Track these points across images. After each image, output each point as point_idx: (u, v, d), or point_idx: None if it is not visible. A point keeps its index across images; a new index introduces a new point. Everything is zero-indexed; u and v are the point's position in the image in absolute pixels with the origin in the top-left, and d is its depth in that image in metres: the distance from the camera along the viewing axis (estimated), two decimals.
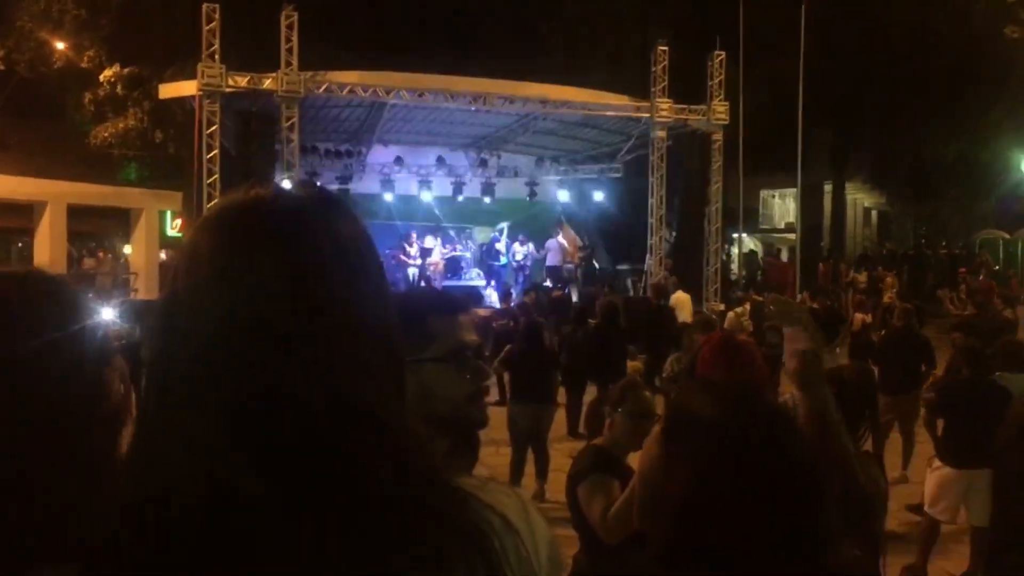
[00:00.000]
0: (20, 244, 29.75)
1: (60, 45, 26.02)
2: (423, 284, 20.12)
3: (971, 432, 6.23)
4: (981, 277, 22.83)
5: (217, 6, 17.42)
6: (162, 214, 27.02)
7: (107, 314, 12.90)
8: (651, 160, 20.70)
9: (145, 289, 25.34)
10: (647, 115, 20.34)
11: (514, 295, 18.75)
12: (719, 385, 1.61)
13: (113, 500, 0.90)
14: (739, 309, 15.73)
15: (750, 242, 33.68)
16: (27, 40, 25.69)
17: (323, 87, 18.28)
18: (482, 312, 18.00)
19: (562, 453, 10.14)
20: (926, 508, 6.90)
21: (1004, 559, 4.15)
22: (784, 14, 24.17)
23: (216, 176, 17.73)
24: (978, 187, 31.43)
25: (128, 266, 27.35)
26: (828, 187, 34.49)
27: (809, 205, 29.14)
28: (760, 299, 17.88)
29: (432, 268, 22.00)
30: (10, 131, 24.84)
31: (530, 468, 9.14)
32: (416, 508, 0.86)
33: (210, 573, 0.83)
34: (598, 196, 23.94)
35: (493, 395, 11.18)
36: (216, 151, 17.75)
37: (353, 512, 0.84)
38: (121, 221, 28.07)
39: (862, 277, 25.51)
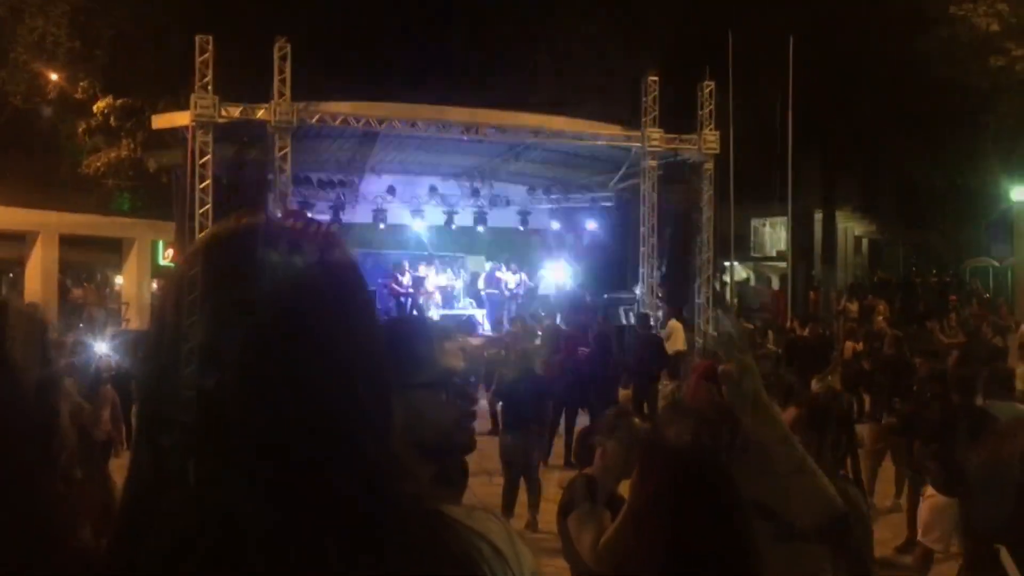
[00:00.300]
0: (12, 274, 29.68)
1: (54, 76, 26.13)
2: (413, 312, 20.12)
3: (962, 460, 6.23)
4: (973, 304, 22.94)
5: (210, 37, 17.53)
6: (154, 244, 27.02)
7: (99, 346, 12.85)
8: (642, 189, 20.81)
9: (137, 320, 25.28)
10: (638, 144, 20.47)
11: (506, 324, 18.79)
12: (692, 413, 1.64)
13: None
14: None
15: (742, 270, 33.79)
16: (22, 71, 25.79)
17: (316, 117, 18.36)
18: (474, 341, 18.01)
19: (554, 483, 10.12)
20: (919, 537, 6.89)
21: None
22: (773, 44, 24.43)
23: (208, 206, 17.74)
24: (967, 215, 31.65)
25: (120, 296, 27.30)
26: (818, 215, 34.67)
27: (799, 233, 29.28)
28: (751, 326, 18.01)
29: (424, 297, 22.02)
30: (2, 161, 24.86)
31: (523, 496, 9.09)
32: (405, 537, 0.86)
33: None
34: (590, 225, 24.03)
35: (486, 425, 11.16)
36: (208, 181, 17.78)
37: (341, 542, 0.84)
38: (113, 251, 28.05)
39: (854, 306, 25.58)
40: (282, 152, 18.11)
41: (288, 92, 17.88)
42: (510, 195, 23.93)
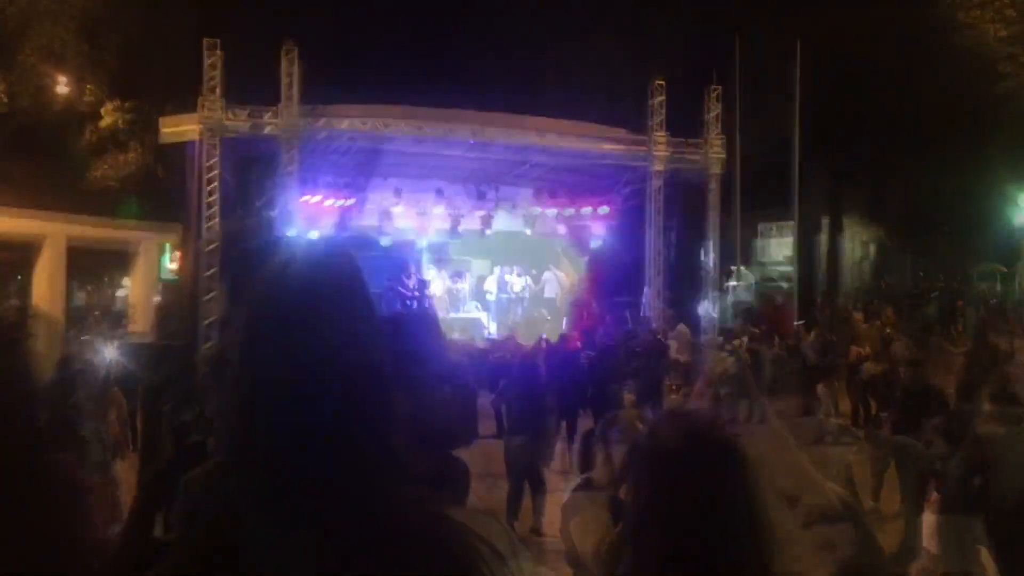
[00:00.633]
0: (19, 277, 29.75)
1: (62, 81, 26.20)
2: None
3: None
4: (981, 310, 22.80)
5: (218, 42, 17.61)
6: (161, 250, 27.05)
7: (106, 351, 12.89)
8: (648, 194, 20.80)
9: (143, 325, 25.31)
10: (644, 150, 20.47)
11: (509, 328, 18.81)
12: (682, 418, 1.63)
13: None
14: (736, 342, 15.84)
15: (749, 275, 33.75)
16: (30, 76, 25.87)
17: (322, 122, 18.42)
18: (480, 344, 18.02)
19: (560, 487, 10.10)
20: (924, 544, 6.83)
21: None
22: (780, 53, 24.44)
23: (215, 220, 17.79)
24: (974, 222, 31.54)
25: (126, 302, 27.36)
26: (825, 222, 34.62)
27: (806, 241, 29.25)
28: (754, 347, 17.96)
29: (430, 301, 22.02)
30: (9, 167, 24.92)
31: (528, 501, 9.08)
32: (408, 537, 0.88)
33: None
34: (596, 229, 24.02)
35: (491, 428, 11.14)
36: (216, 186, 17.83)
37: (343, 543, 0.86)
38: (120, 258, 28.09)
39: (860, 317, 25.38)
40: (289, 165, 18.15)
41: (296, 97, 17.93)
42: (516, 199, 23.93)
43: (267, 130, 17.93)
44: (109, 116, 26.95)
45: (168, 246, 26.19)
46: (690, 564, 1.42)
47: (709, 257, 21.24)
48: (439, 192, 23.12)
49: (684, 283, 21.73)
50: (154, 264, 26.67)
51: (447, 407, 1.77)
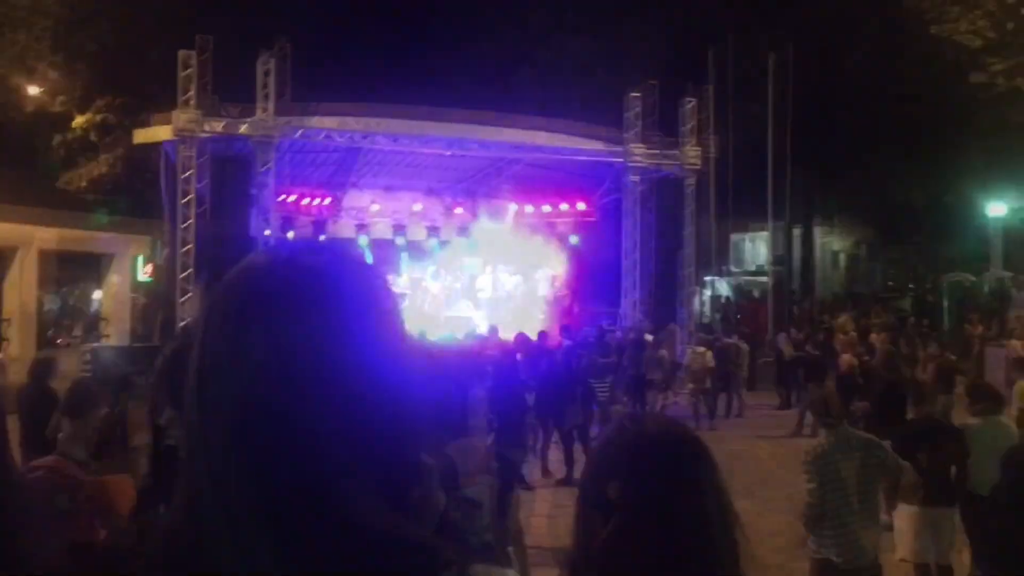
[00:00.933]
0: None
1: (33, 90, 25.92)
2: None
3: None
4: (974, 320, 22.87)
5: (194, 52, 17.53)
6: (134, 259, 26.80)
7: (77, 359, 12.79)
8: (625, 204, 20.93)
9: (116, 334, 25.05)
10: (621, 159, 20.60)
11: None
12: (637, 419, 1.65)
13: None
14: (700, 349, 16.25)
15: (722, 285, 33.97)
16: (1, 85, 25.59)
17: (299, 132, 18.37)
18: (468, 342, 17.97)
19: (539, 497, 10.14)
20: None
21: None
22: (754, 61, 24.70)
23: (191, 221, 17.69)
24: (944, 230, 31.96)
25: (99, 310, 27.09)
26: (797, 230, 34.95)
27: (779, 248, 29.56)
28: (731, 341, 18.20)
29: (429, 299, 21.98)
30: None
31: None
32: (370, 540, 0.87)
33: None
34: (573, 239, 24.10)
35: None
36: (192, 196, 17.72)
37: (309, 543, 0.85)
38: (93, 266, 27.79)
39: (843, 321, 25.53)
40: (265, 166, 18.09)
41: (272, 107, 17.88)
42: (493, 208, 23.96)
43: (242, 129, 17.83)
44: (81, 123, 26.70)
45: (141, 259, 25.96)
46: (658, 566, 1.44)
47: (686, 262, 21.41)
48: (415, 203, 23.11)
49: (663, 287, 21.84)
50: (127, 274, 26.41)
51: (422, 406, 1.77)
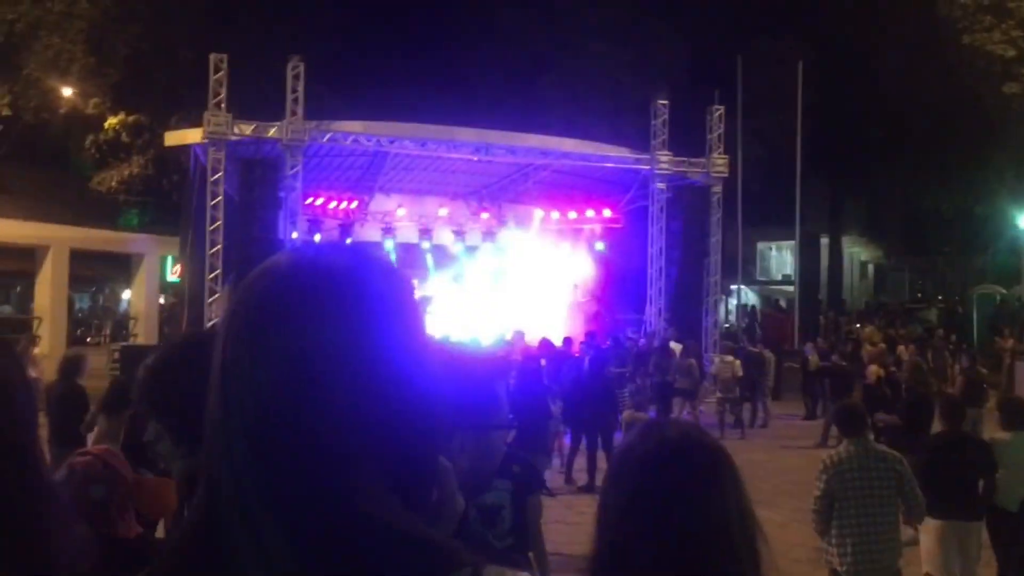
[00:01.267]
0: (19, 288, 29.77)
1: (67, 92, 26.29)
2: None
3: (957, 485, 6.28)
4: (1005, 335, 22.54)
5: (224, 56, 17.68)
6: (163, 259, 27.10)
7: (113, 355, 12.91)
8: (651, 212, 20.88)
9: (145, 334, 25.33)
10: (647, 167, 20.57)
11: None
12: (660, 426, 1.64)
13: None
14: (728, 357, 16.12)
15: (748, 294, 33.81)
16: (34, 87, 25.97)
17: (327, 136, 18.49)
18: (494, 347, 17.97)
19: (560, 503, 10.14)
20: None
21: None
22: (782, 70, 24.57)
23: (220, 223, 17.84)
24: (974, 241, 31.63)
25: (128, 310, 27.40)
26: (824, 240, 34.71)
27: (806, 257, 29.35)
28: (756, 350, 18.10)
29: (454, 304, 22.01)
30: (14, 176, 24.98)
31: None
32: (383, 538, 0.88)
33: None
34: (599, 246, 24.03)
35: None
36: (220, 198, 17.88)
37: (324, 540, 0.87)
38: (122, 266, 28.14)
39: (870, 332, 25.32)
40: (293, 170, 18.22)
41: (301, 111, 18.01)
42: (519, 215, 23.98)
43: (271, 133, 17.98)
44: (113, 123, 27.05)
45: (171, 259, 26.24)
46: (678, 574, 1.43)
47: (711, 270, 21.33)
48: (442, 207, 23.16)
49: (686, 300, 21.75)
50: (156, 274, 26.71)
51: (444, 409, 1.79)
